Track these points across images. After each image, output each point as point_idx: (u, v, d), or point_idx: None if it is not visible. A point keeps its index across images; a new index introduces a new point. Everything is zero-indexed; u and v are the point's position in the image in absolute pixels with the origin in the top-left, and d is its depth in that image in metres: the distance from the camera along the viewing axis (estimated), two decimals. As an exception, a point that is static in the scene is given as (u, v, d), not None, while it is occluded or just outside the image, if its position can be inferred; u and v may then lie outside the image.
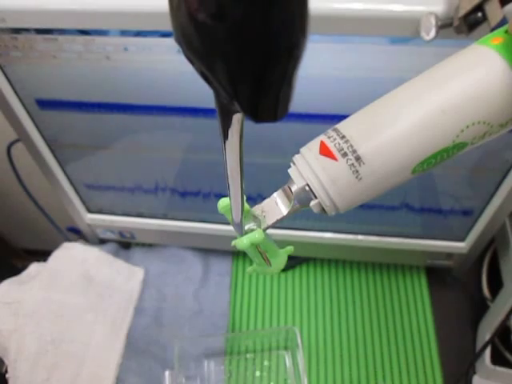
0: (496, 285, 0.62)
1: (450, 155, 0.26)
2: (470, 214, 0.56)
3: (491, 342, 0.54)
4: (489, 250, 0.67)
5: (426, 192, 0.54)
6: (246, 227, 0.30)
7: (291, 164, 0.29)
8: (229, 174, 0.23)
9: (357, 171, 0.26)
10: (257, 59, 0.14)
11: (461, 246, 0.60)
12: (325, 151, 0.26)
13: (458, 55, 0.26)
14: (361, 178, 0.26)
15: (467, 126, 0.25)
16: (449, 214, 0.56)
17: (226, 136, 0.20)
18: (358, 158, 0.26)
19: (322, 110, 0.45)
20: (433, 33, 0.32)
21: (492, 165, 0.49)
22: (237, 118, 0.19)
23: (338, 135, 0.26)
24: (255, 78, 0.15)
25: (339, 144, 0.26)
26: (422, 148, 0.25)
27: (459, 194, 0.54)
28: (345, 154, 0.26)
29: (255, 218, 0.30)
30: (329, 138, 0.27)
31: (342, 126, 0.27)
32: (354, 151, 0.26)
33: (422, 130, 0.25)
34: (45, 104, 0.49)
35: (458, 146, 0.25)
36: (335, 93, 0.43)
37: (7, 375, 0.55)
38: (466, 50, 0.26)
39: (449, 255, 0.61)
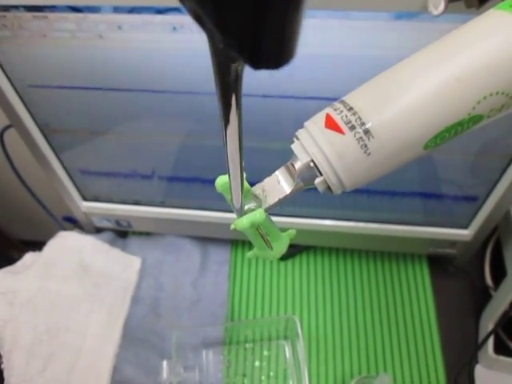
0: (499, 274, 0.61)
1: (465, 129, 0.24)
2: (473, 201, 0.54)
3: (494, 331, 0.54)
4: (492, 239, 0.66)
5: (428, 178, 0.53)
6: (246, 207, 0.28)
7: (294, 139, 0.27)
8: (228, 149, 0.22)
9: (365, 145, 0.24)
10: None
11: (464, 234, 0.59)
12: (331, 124, 0.25)
13: (474, 21, 0.24)
14: (370, 153, 0.24)
15: (484, 97, 0.23)
16: (452, 200, 0.55)
17: (226, 104, 0.18)
18: (366, 132, 0.24)
19: (322, 91, 0.43)
20: (442, 7, 0.31)
21: (497, 150, 0.48)
22: (235, 69, 0.16)
23: (345, 107, 0.25)
24: (253, 9, 0.12)
25: (346, 116, 0.24)
26: (436, 121, 0.24)
27: (463, 180, 0.53)
28: (352, 127, 0.24)
29: (256, 198, 0.28)
30: (335, 110, 0.25)
31: (349, 97, 0.26)
32: (363, 124, 0.24)
33: (435, 100, 0.23)
34: (36, 87, 0.47)
35: (474, 119, 0.24)
36: (335, 72, 0.41)
37: (2, 366, 0.54)
38: (483, 16, 0.24)
39: (452, 243, 0.60)
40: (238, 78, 0.17)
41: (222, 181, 0.29)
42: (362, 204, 0.57)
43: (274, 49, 0.13)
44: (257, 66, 0.14)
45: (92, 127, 0.52)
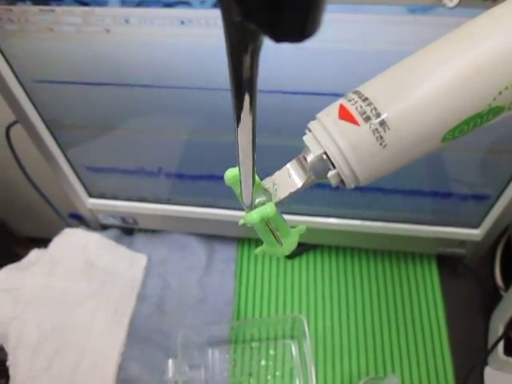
0: (509, 274, 0.60)
1: (485, 121, 0.23)
2: (484, 200, 0.53)
3: (505, 335, 0.53)
4: (502, 238, 0.65)
5: (438, 176, 0.52)
6: (256, 201, 0.27)
7: (306, 131, 0.26)
8: (240, 141, 0.20)
9: (381, 137, 0.23)
10: None
11: (474, 234, 0.58)
12: (345, 115, 0.24)
13: (496, 8, 0.23)
14: (385, 145, 0.23)
15: (506, 88, 0.22)
16: (462, 199, 0.54)
17: (239, 91, 0.17)
18: (382, 123, 0.23)
19: (333, 88, 0.42)
20: (457, -2, 0.30)
21: (509, 148, 0.47)
22: (251, 50, 0.15)
23: (359, 97, 0.24)
24: None
25: (361, 107, 0.24)
26: (455, 112, 0.23)
27: (474, 178, 0.52)
28: (367, 118, 0.23)
29: (266, 192, 0.28)
30: (349, 100, 0.24)
31: (364, 87, 0.25)
32: (378, 115, 0.23)
33: (454, 90, 0.22)
34: (43, 82, 0.47)
35: (494, 111, 0.23)
36: (348, 68, 0.40)
37: (7, 363, 0.54)
38: (503, 4, 0.23)
39: (461, 243, 0.59)
40: (254, 60, 0.15)
41: (231, 173, 0.28)
42: (370, 202, 0.57)
43: (299, 18, 0.12)
44: (279, 38, 0.13)
45: (98, 123, 0.51)
